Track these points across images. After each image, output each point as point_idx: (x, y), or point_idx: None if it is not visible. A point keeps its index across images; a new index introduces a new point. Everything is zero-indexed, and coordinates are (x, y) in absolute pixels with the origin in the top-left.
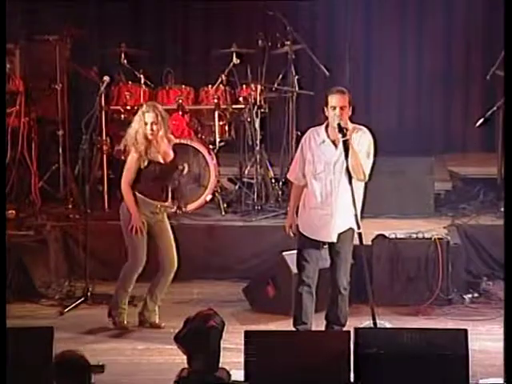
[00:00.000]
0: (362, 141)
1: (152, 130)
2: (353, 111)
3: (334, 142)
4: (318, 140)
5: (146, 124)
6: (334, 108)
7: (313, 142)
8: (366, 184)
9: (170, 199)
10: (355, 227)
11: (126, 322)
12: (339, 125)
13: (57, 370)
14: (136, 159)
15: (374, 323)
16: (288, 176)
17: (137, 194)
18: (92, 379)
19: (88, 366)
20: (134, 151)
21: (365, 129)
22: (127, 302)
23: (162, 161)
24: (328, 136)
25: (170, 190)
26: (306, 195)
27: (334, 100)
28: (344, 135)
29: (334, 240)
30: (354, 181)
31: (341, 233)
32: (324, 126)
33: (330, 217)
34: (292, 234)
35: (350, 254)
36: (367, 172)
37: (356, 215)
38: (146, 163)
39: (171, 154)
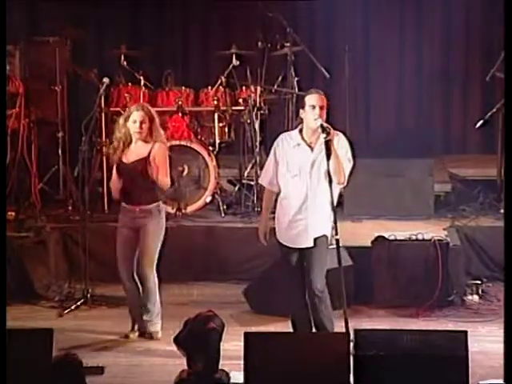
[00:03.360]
0: (342, 144)
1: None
2: (327, 115)
3: (309, 145)
4: (291, 143)
5: (134, 122)
6: (314, 107)
7: (286, 145)
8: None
9: (153, 203)
10: (329, 233)
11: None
12: (322, 125)
13: (53, 373)
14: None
15: (347, 328)
16: (260, 181)
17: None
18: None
19: (82, 368)
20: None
21: (341, 134)
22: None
23: (126, 161)
24: (303, 139)
25: (154, 193)
26: (279, 204)
27: (313, 99)
28: (328, 134)
29: (310, 245)
30: (333, 185)
31: (316, 238)
32: (298, 130)
33: (305, 221)
34: (265, 243)
35: (324, 258)
36: (347, 175)
37: (335, 220)
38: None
39: (141, 154)
